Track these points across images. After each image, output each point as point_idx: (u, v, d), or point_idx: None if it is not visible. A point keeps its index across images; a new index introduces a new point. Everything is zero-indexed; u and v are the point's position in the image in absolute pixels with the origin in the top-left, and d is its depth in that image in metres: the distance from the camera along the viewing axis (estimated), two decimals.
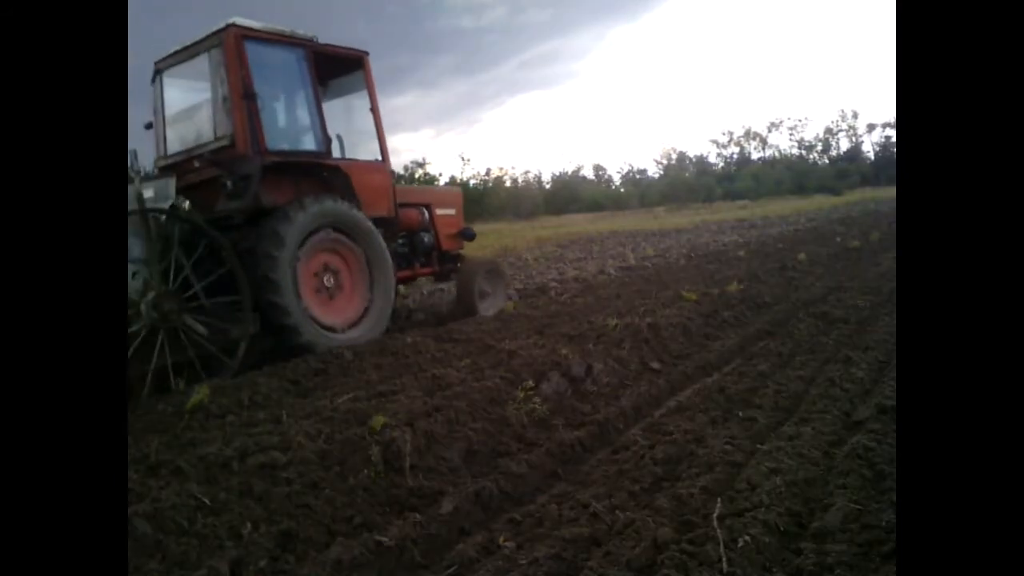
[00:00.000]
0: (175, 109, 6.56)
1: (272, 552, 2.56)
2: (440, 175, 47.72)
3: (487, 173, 49.77)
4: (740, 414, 3.77)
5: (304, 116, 6.43)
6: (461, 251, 8.08)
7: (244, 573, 2.44)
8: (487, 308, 7.62)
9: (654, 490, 2.90)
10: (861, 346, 5.02)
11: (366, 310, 6.34)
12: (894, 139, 66.61)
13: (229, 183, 5.63)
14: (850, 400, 3.86)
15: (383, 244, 6.49)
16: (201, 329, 5.04)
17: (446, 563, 2.49)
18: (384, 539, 2.57)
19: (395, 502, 3.02)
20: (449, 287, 7.90)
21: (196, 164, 6.02)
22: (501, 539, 2.61)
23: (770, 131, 79.51)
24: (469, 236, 8.10)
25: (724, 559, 2.20)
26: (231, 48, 5.72)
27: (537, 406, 4.01)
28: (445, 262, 7.85)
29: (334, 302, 6.12)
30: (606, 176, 71.56)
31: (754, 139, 79.40)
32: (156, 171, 6.40)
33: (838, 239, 13.85)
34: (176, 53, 6.26)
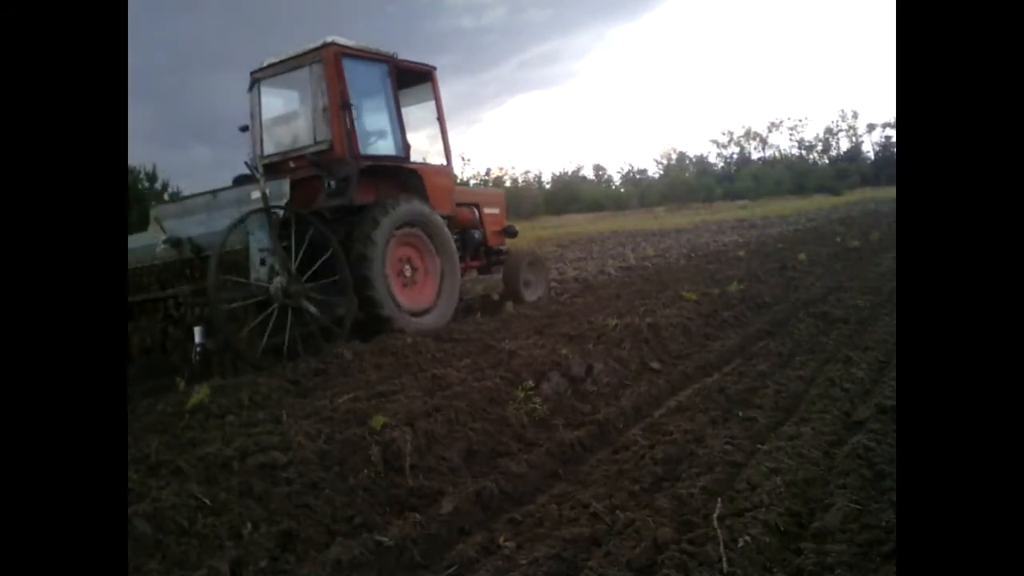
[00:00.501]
0: (271, 115, 7.32)
1: (272, 552, 2.56)
2: None
3: (487, 173, 49.81)
4: (740, 414, 3.77)
5: (388, 124, 7.16)
6: (503, 246, 8.76)
7: (244, 573, 2.44)
8: (531, 295, 8.39)
9: (654, 490, 2.90)
10: (861, 346, 5.01)
11: (437, 298, 7.10)
12: (894, 139, 66.60)
13: (332, 183, 6.37)
14: (850, 400, 3.86)
15: (452, 240, 7.27)
16: (313, 309, 5.87)
17: (446, 563, 2.49)
18: (384, 539, 2.57)
19: (395, 502, 3.02)
20: (496, 278, 8.81)
21: (291, 164, 6.83)
22: (501, 539, 2.61)
23: (770, 131, 79.39)
24: (511, 233, 8.88)
25: (724, 559, 2.20)
26: (330, 63, 6.53)
27: (537, 406, 4.01)
28: (491, 256, 8.54)
29: (412, 289, 6.94)
30: (606, 176, 71.50)
31: (754, 139, 79.35)
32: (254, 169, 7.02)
33: (838, 239, 13.85)
34: (273, 65, 7.03)
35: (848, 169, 65.20)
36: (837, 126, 77.17)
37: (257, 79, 7.21)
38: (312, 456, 3.17)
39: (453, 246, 7.30)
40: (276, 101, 7.44)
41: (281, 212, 5.78)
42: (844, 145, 76.74)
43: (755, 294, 7.44)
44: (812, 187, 56.88)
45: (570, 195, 50.38)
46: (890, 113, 73.72)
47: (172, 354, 5.53)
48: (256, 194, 5.79)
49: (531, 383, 4.23)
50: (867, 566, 2.14)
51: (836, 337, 5.51)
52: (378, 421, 3.42)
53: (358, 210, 6.46)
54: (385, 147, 7.10)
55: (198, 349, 5.24)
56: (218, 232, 5.48)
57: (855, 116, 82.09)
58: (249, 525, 2.69)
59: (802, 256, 10.67)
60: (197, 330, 5.24)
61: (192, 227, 5.93)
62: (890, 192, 42.33)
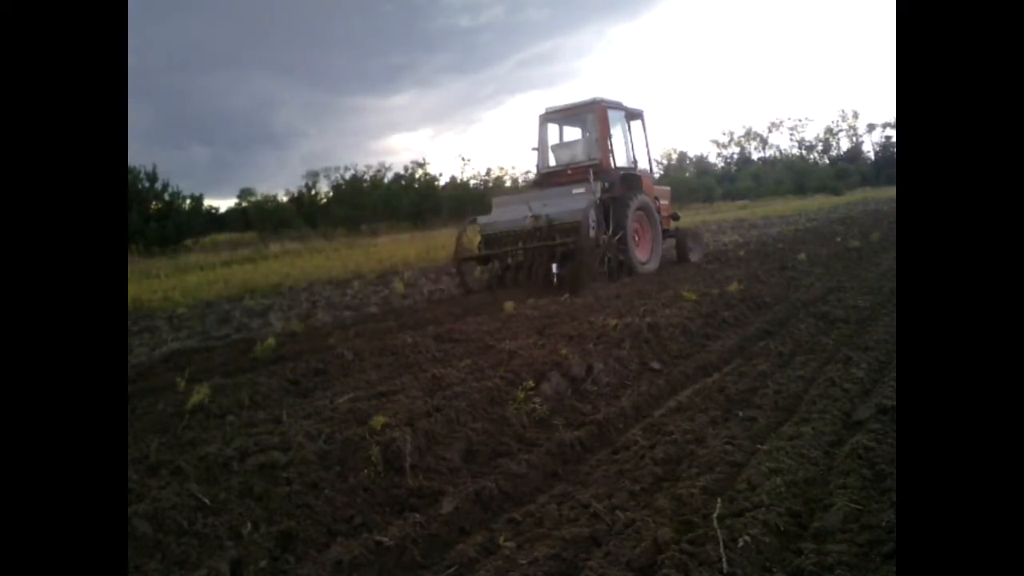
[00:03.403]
0: (554, 141, 11.68)
1: (272, 552, 2.56)
2: (440, 175, 47.79)
3: (487, 173, 49.80)
4: (740, 414, 3.77)
5: (625, 148, 11.54)
6: (669, 226, 12.34)
7: (244, 573, 2.44)
8: (694, 256, 12.08)
9: (654, 490, 2.90)
10: (861, 346, 5.01)
11: (651, 254, 11.01)
12: (894, 139, 66.56)
13: (606, 183, 10.23)
14: (850, 400, 3.86)
15: (658, 219, 11.26)
16: (610, 255, 9.95)
17: (446, 563, 2.49)
18: (384, 539, 2.57)
19: (395, 502, 3.02)
20: (669, 244, 12.37)
21: (569, 172, 11.05)
22: (501, 539, 2.61)
23: (770, 131, 79.24)
24: (676, 218, 12.87)
25: (724, 559, 2.20)
26: (600, 112, 10.96)
27: (537, 406, 4.01)
28: (665, 231, 11.95)
29: (640, 248, 10.82)
30: None
31: (754, 139, 79.27)
32: (537, 177, 11.80)
33: (838, 239, 13.84)
34: (558, 111, 11.42)
35: (848, 169, 65.17)
36: (837, 126, 77.16)
37: (544, 120, 11.53)
38: (312, 456, 3.17)
39: (659, 223, 11.22)
40: (558, 132, 11.80)
41: (598, 199, 9.81)
42: (844, 145, 76.73)
43: (755, 294, 7.44)
44: (812, 187, 56.86)
45: None
46: (890, 113, 73.75)
47: (535, 277, 9.60)
48: (577, 189, 9.92)
49: (531, 383, 4.23)
50: (867, 566, 2.14)
51: (836, 337, 5.51)
52: (378, 421, 3.42)
53: (617, 199, 10.21)
54: (627, 161, 11.43)
55: (555, 275, 9.33)
56: (562, 211, 9.56)
57: (855, 116, 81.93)
58: (249, 525, 2.69)
59: (802, 256, 10.67)
60: (554, 265, 9.43)
61: (537, 208, 9.81)
62: (890, 192, 42.35)
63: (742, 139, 79.49)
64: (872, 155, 73.34)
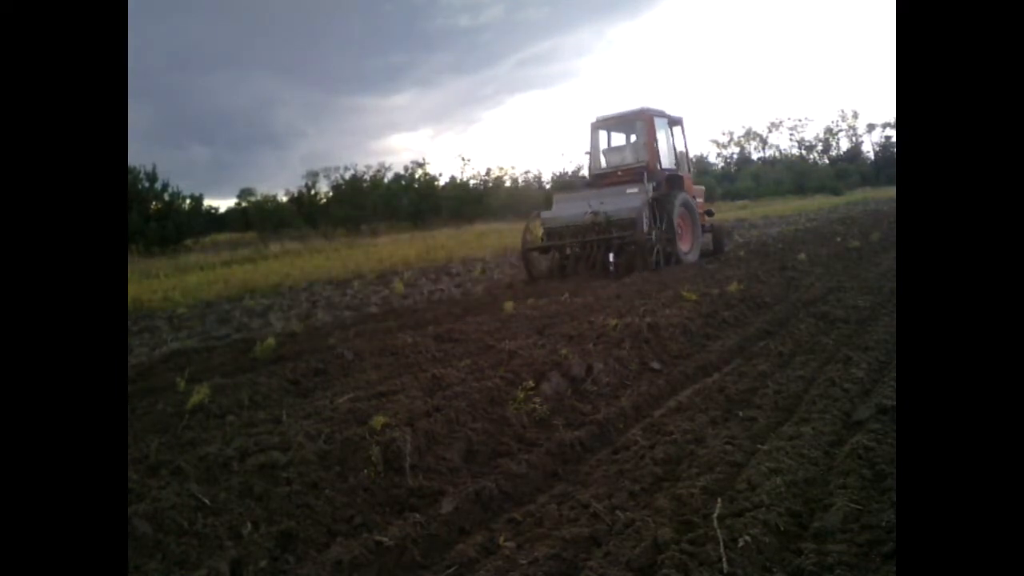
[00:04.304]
0: (605, 146, 13.06)
1: (272, 552, 2.56)
2: (440, 175, 47.79)
3: (487, 173, 49.79)
4: (740, 414, 3.77)
5: (668, 151, 12.72)
6: (704, 223, 13.34)
7: (244, 573, 2.44)
8: (726, 248, 13.59)
9: (654, 490, 2.90)
10: (861, 346, 5.01)
11: (692, 246, 12.11)
12: (894, 139, 66.52)
13: (655, 183, 11.44)
14: (850, 400, 3.86)
15: (697, 214, 12.47)
16: (659, 247, 11.18)
17: (446, 563, 2.49)
18: (384, 539, 2.57)
19: (395, 502, 3.02)
20: (707, 238, 13.43)
21: (619, 174, 12.40)
22: (501, 539, 2.61)
23: (770, 131, 79.10)
24: (710, 214, 14.03)
25: (724, 559, 2.20)
26: (648, 120, 12.29)
27: (537, 406, 4.01)
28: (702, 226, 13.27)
29: (682, 240, 11.80)
30: None
31: (754, 139, 79.21)
32: (589, 178, 13.10)
33: (838, 239, 13.85)
34: (609, 119, 12.81)
35: (848, 169, 65.13)
36: (837, 126, 77.04)
37: (596, 127, 12.87)
38: (312, 456, 3.17)
39: (698, 218, 12.46)
40: (607, 138, 13.14)
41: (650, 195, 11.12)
42: (844, 145, 76.64)
43: (755, 294, 7.44)
44: (812, 187, 56.84)
45: None
46: (890, 113, 73.70)
47: (593, 266, 10.98)
48: (631, 189, 11.12)
49: (531, 383, 4.23)
50: (867, 566, 2.14)
51: (836, 337, 5.51)
52: (378, 421, 3.42)
53: (663, 197, 11.46)
54: (670, 163, 12.64)
55: (611, 263, 10.75)
56: (619, 208, 10.93)
57: (855, 116, 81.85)
58: (249, 525, 2.69)
59: (802, 256, 10.67)
60: (611, 255, 10.81)
61: (595, 205, 11.17)
62: (890, 192, 42.34)
63: (742, 139, 79.41)
64: (872, 155, 73.30)
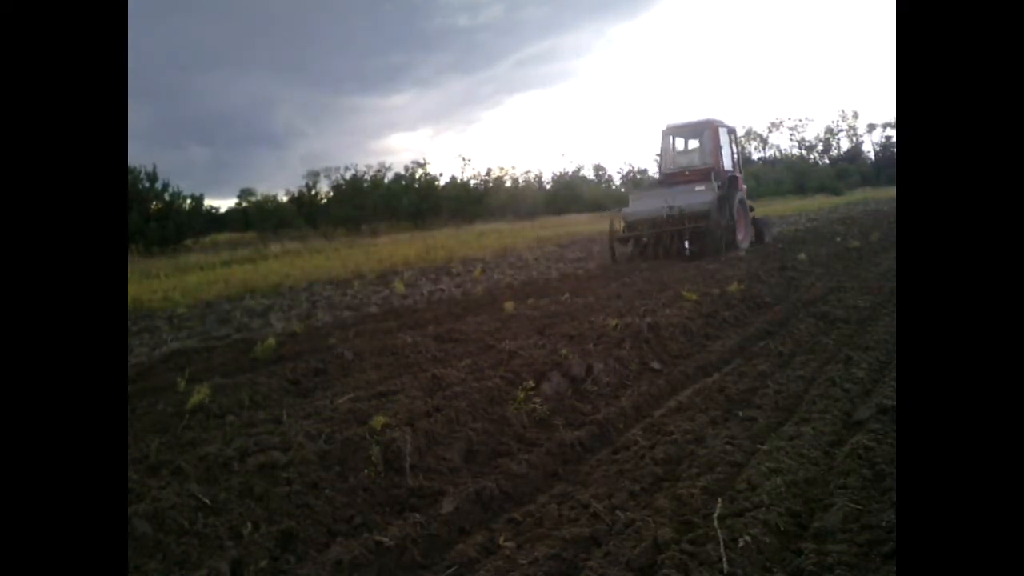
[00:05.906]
0: (676, 150, 15.06)
1: (272, 552, 2.56)
2: (440, 175, 47.79)
3: (487, 173, 49.79)
4: (740, 414, 3.77)
5: (727, 154, 14.58)
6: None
7: (244, 573, 2.44)
8: (767, 238, 15.11)
9: (654, 490, 2.90)
10: (861, 346, 5.01)
11: (744, 236, 13.96)
12: (894, 139, 66.49)
13: (719, 184, 13.20)
14: (850, 400, 3.86)
15: (748, 210, 14.65)
16: (723, 244, 12.99)
17: (446, 563, 2.49)
18: (384, 539, 2.57)
19: (395, 502, 3.02)
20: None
21: (686, 174, 14.28)
22: (501, 539, 2.61)
23: (770, 131, 78.99)
24: (752, 209, 15.36)
25: (724, 559, 2.20)
26: (713, 128, 14.28)
27: (537, 406, 4.01)
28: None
29: (739, 231, 13.70)
30: (606, 176, 71.23)
31: (754, 139, 79.15)
32: (660, 177, 15.37)
33: (838, 239, 13.86)
34: (679, 127, 14.91)
35: (848, 169, 65.07)
36: (837, 126, 76.94)
37: (666, 133, 14.86)
38: (312, 456, 3.17)
39: (749, 212, 14.64)
40: (672, 143, 15.13)
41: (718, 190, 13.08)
42: (844, 145, 76.54)
43: (755, 294, 7.44)
44: (812, 187, 56.81)
45: (571, 195, 50.28)
46: (890, 113, 73.65)
47: (669, 252, 12.88)
48: (700, 187, 13.03)
49: (531, 383, 4.23)
50: (867, 566, 2.14)
51: (836, 337, 5.51)
52: (378, 421, 3.42)
53: (725, 194, 13.36)
54: (730, 166, 14.59)
55: (687, 250, 12.64)
56: (692, 203, 12.83)
57: (855, 116, 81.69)
58: (249, 525, 2.69)
59: (802, 256, 10.67)
60: (686, 242, 12.73)
61: (670, 201, 13.05)
62: (890, 192, 42.32)
63: (742, 139, 79.32)
64: (872, 155, 73.24)
